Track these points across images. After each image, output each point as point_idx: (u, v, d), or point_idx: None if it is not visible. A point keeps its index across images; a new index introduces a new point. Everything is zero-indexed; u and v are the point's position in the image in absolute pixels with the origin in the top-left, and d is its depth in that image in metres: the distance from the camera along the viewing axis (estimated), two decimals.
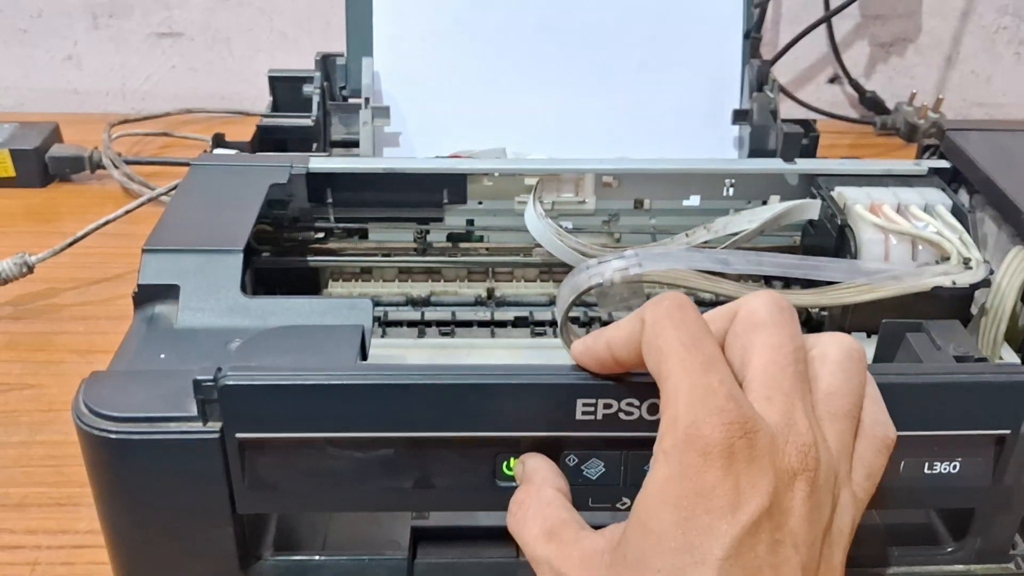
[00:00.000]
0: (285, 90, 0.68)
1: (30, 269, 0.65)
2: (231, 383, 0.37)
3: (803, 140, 0.65)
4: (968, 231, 0.53)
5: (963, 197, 0.60)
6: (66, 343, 0.64)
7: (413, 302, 0.60)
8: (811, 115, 0.99)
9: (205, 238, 0.49)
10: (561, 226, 0.60)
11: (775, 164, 0.59)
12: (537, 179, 0.58)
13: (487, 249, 0.61)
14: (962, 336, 0.45)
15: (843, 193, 0.55)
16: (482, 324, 0.59)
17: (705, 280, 0.48)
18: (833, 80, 1.02)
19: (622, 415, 0.38)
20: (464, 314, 0.59)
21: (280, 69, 0.69)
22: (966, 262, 0.51)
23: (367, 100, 0.64)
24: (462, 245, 0.61)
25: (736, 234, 0.55)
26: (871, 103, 1.00)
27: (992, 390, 0.39)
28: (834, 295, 0.50)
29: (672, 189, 0.59)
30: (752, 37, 0.68)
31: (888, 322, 0.47)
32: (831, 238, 0.54)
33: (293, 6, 0.97)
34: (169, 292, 0.47)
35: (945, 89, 1.03)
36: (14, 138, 0.83)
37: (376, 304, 0.59)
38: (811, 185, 0.58)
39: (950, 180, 0.59)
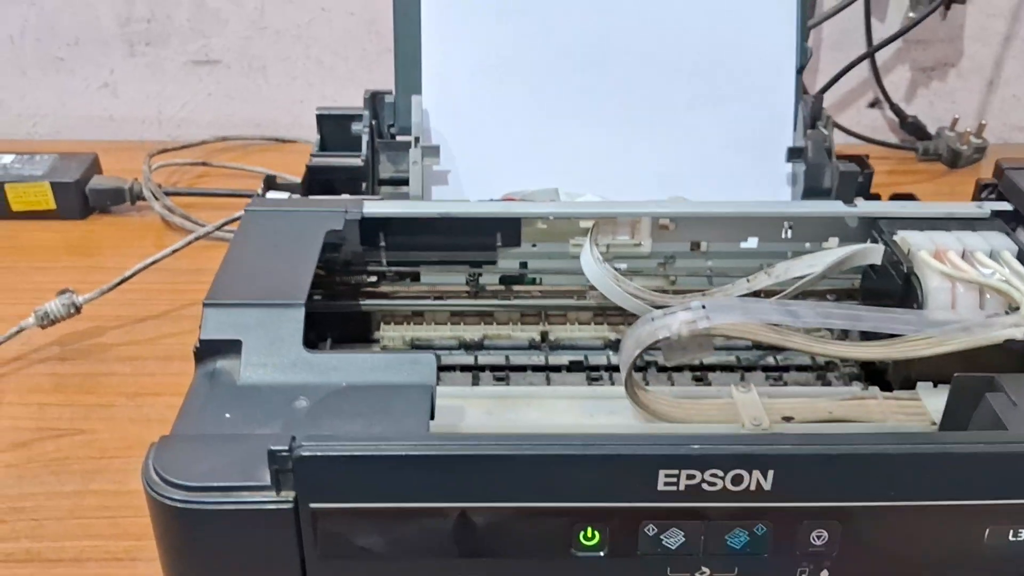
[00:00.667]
0: (332, 128, 0.68)
1: (78, 310, 0.65)
2: (306, 454, 0.36)
3: (859, 178, 0.64)
4: None
5: (1022, 236, 0.59)
6: (115, 385, 0.63)
7: (466, 346, 0.59)
8: (851, 140, 0.99)
9: (265, 291, 0.48)
10: (616, 268, 0.60)
11: (835, 207, 0.58)
12: (593, 222, 0.57)
13: (541, 292, 0.60)
14: None
15: (906, 238, 0.54)
16: (536, 368, 0.58)
17: (773, 332, 0.47)
18: (874, 104, 1.01)
19: (705, 486, 0.37)
20: (518, 358, 0.58)
21: (327, 107, 0.69)
22: None
23: (417, 139, 0.63)
24: (515, 288, 0.60)
25: (799, 279, 0.54)
26: (912, 128, 0.99)
27: None
28: (904, 348, 0.49)
29: (729, 232, 0.58)
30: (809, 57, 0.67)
31: (961, 376, 0.46)
32: (896, 284, 0.53)
33: (330, 34, 0.96)
34: (231, 347, 0.46)
35: (987, 114, 1.02)
36: (54, 170, 0.83)
37: (429, 348, 0.59)
38: (872, 228, 0.57)
39: (1011, 220, 0.59)
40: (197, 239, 0.67)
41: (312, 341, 0.58)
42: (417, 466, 0.37)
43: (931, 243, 0.54)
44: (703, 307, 0.46)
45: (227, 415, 0.43)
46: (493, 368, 0.58)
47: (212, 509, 0.37)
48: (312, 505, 0.37)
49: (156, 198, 0.81)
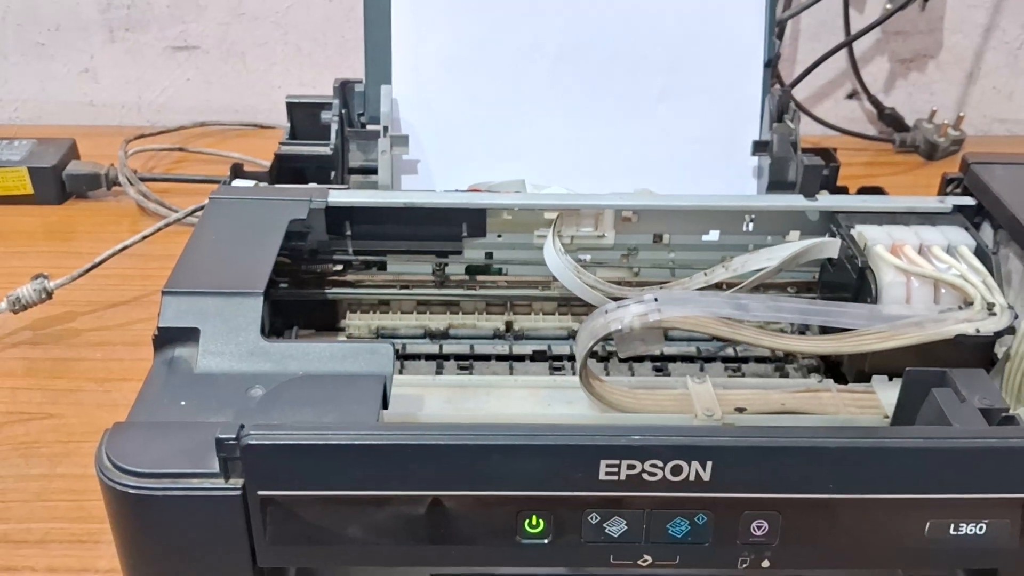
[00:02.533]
0: (303, 116, 0.68)
1: (49, 295, 0.65)
2: (253, 442, 0.37)
3: (823, 171, 0.64)
4: (992, 273, 0.52)
5: (987, 232, 0.60)
6: (84, 370, 0.64)
7: (431, 335, 0.60)
8: (828, 132, 0.99)
9: (225, 280, 0.49)
10: (580, 259, 0.60)
11: (796, 200, 0.58)
12: (557, 214, 0.58)
13: (506, 282, 0.61)
14: (986, 386, 0.45)
15: (863, 233, 0.55)
16: (500, 358, 0.58)
17: (724, 326, 0.48)
18: (852, 96, 1.02)
19: (645, 476, 0.38)
20: (482, 347, 0.59)
21: (297, 95, 0.69)
22: (990, 307, 0.50)
23: (385, 128, 0.64)
24: (480, 278, 0.61)
25: (755, 272, 0.55)
26: (890, 120, 0.99)
27: (1019, 455, 0.38)
28: (854, 342, 0.49)
29: (692, 224, 0.59)
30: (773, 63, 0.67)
31: (912, 371, 0.46)
32: (851, 278, 0.54)
33: (308, 20, 0.96)
34: (189, 335, 0.47)
35: (966, 105, 1.02)
36: (32, 156, 0.83)
37: (394, 337, 0.60)
38: (830, 223, 0.57)
39: (974, 215, 0.59)
40: (168, 225, 0.67)
41: (279, 329, 0.59)
42: (362, 455, 0.37)
43: (888, 238, 0.54)
44: (655, 299, 0.47)
45: (182, 403, 0.43)
46: (457, 357, 0.58)
47: (162, 495, 0.38)
48: (260, 492, 0.38)
49: (131, 184, 0.82)
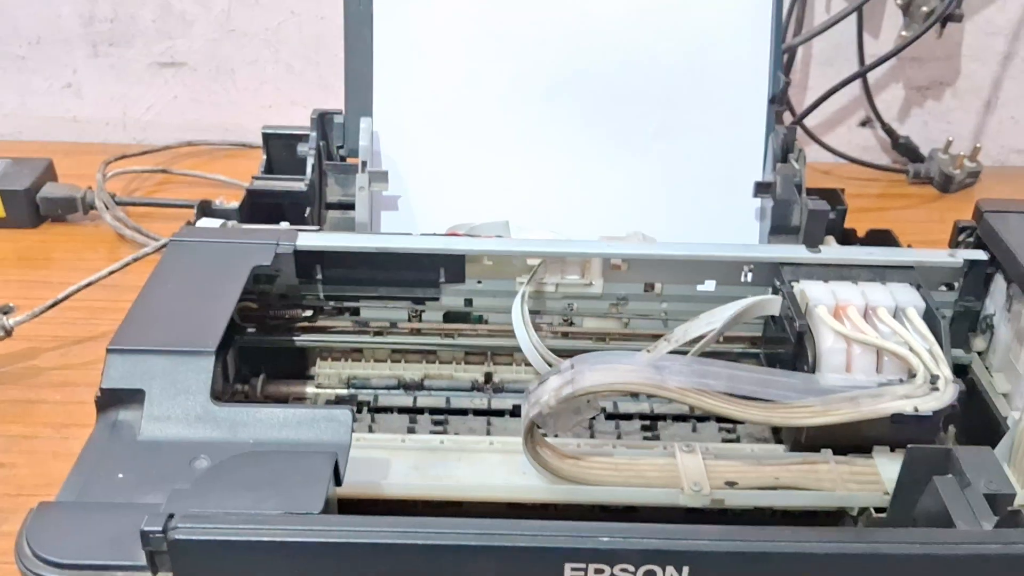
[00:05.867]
0: (279, 147, 0.65)
1: (8, 333, 0.62)
2: (181, 536, 0.34)
3: (830, 215, 0.60)
4: (940, 340, 0.48)
5: (1000, 286, 0.56)
6: (42, 414, 0.60)
7: (405, 386, 0.56)
8: (839, 161, 0.95)
9: (175, 336, 0.45)
10: (568, 307, 0.57)
11: (797, 252, 0.55)
12: (539, 260, 0.54)
13: (487, 331, 0.57)
14: (993, 467, 0.41)
15: (806, 291, 0.51)
16: (478, 412, 0.55)
17: (648, 385, 0.44)
18: (865, 123, 0.97)
19: None
20: (459, 400, 0.56)
21: (274, 125, 0.65)
22: (933, 380, 0.46)
23: (364, 164, 0.60)
24: (459, 326, 0.57)
25: (698, 340, 0.50)
26: (904, 149, 0.95)
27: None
28: (785, 414, 0.45)
29: (686, 274, 0.55)
30: (783, 86, 0.63)
31: (915, 449, 0.43)
32: (790, 343, 0.50)
33: (299, 37, 0.93)
34: (134, 397, 0.43)
35: (983, 135, 0.98)
36: (5, 177, 0.80)
37: (365, 387, 0.56)
38: (775, 276, 0.53)
39: (986, 268, 0.55)
40: (136, 260, 0.64)
41: (245, 376, 0.56)
42: (298, 552, 0.34)
43: (832, 297, 0.50)
44: (571, 367, 0.44)
45: (120, 475, 0.40)
46: (432, 411, 0.55)
47: None
48: None
49: (108, 208, 0.78)
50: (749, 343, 0.56)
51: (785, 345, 0.51)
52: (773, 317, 0.52)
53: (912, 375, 0.47)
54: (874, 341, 0.47)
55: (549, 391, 0.42)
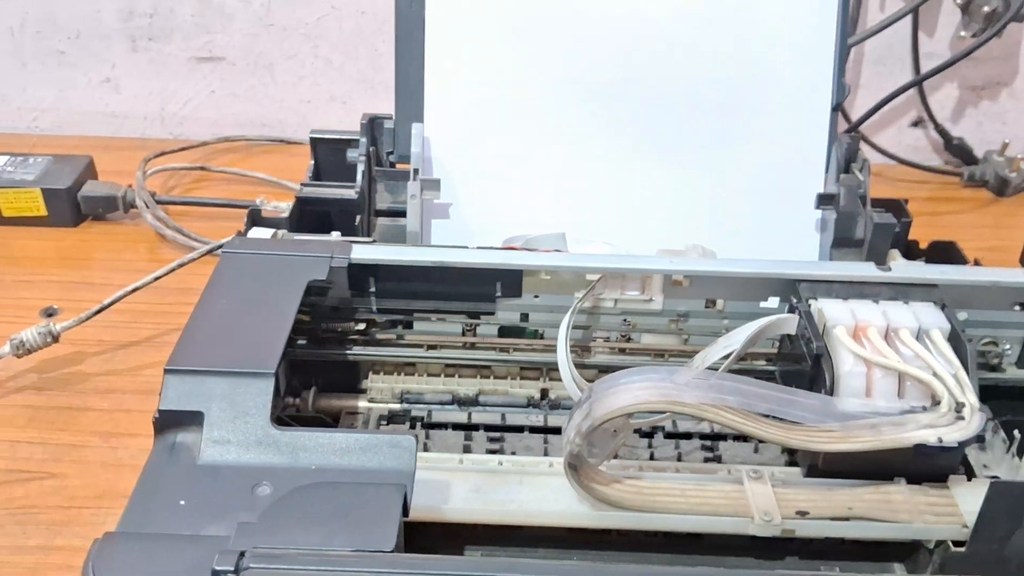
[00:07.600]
0: (326, 151, 0.63)
1: (55, 338, 0.62)
2: None
3: (895, 228, 0.58)
4: (966, 364, 0.46)
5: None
6: (90, 423, 0.60)
7: (460, 401, 0.55)
8: (889, 162, 0.92)
9: (233, 357, 0.44)
10: (626, 320, 0.55)
11: (866, 270, 0.52)
12: (598, 275, 0.53)
13: (543, 346, 0.56)
14: None
15: (823, 310, 0.48)
16: (534, 430, 0.54)
17: (669, 405, 0.43)
18: (917, 124, 0.95)
19: None
20: (515, 417, 0.54)
21: (321, 130, 0.64)
22: (959, 408, 0.44)
23: (415, 171, 0.59)
24: (515, 340, 0.56)
25: (716, 367, 0.48)
26: (958, 151, 0.93)
27: None
28: (804, 438, 0.44)
29: (748, 291, 0.53)
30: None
31: (998, 484, 0.41)
32: (807, 364, 0.48)
33: (339, 31, 0.91)
34: (193, 419, 0.42)
35: None
36: (47, 175, 0.79)
37: (419, 402, 0.55)
38: (791, 293, 0.51)
39: None
40: (181, 266, 0.63)
41: (296, 389, 0.55)
42: None
43: (851, 317, 0.48)
44: (589, 396, 0.42)
45: (181, 502, 0.39)
46: (487, 427, 0.54)
47: None
48: None
49: (148, 207, 0.78)
50: (765, 360, 0.55)
51: (802, 363, 0.49)
52: (790, 336, 0.50)
53: (936, 402, 0.45)
54: (896, 365, 0.45)
55: (572, 429, 0.41)
